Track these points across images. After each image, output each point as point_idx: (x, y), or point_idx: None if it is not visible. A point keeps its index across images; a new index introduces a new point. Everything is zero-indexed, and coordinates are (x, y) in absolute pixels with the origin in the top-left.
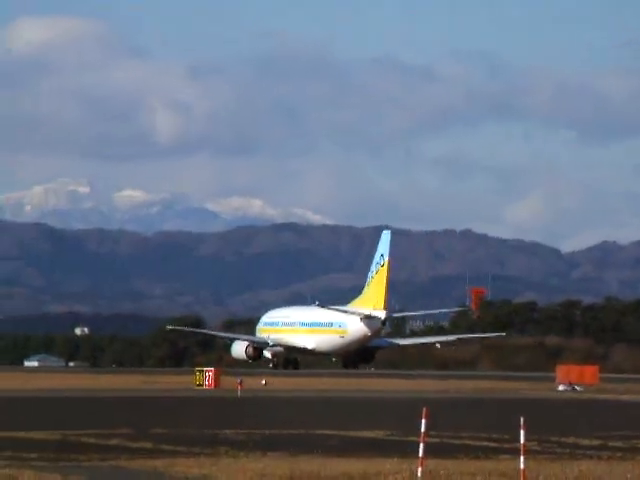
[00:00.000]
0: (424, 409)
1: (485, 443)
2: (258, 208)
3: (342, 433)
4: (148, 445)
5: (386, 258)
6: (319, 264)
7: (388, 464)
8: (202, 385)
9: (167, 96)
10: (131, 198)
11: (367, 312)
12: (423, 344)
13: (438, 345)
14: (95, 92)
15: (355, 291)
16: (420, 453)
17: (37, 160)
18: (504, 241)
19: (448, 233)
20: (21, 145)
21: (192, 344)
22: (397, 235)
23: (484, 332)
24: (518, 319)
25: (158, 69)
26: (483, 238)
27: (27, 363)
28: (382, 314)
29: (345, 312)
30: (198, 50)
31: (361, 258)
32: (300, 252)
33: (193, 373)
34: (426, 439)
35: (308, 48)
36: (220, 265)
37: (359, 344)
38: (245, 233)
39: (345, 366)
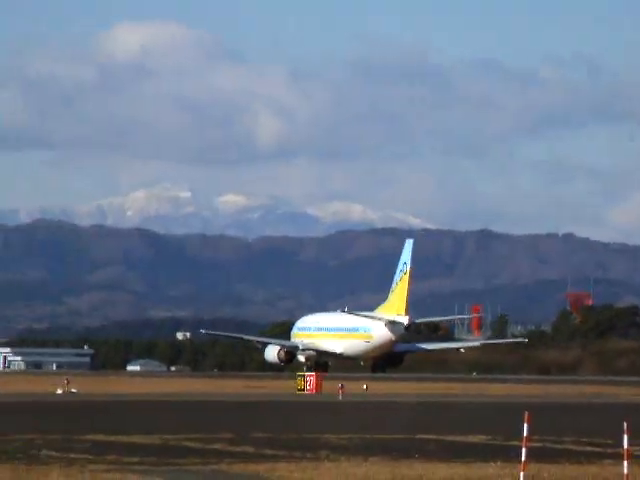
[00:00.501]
0: (526, 413)
1: (588, 448)
2: (358, 212)
3: (443, 437)
4: (250, 449)
5: (409, 266)
6: (420, 268)
7: (490, 469)
8: (303, 390)
9: (267, 101)
10: (232, 203)
11: (391, 318)
12: (449, 349)
13: (462, 350)
14: (196, 97)
15: (456, 295)
16: (522, 457)
17: (138, 165)
18: (606, 244)
19: (550, 237)
20: (123, 151)
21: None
22: (499, 239)
23: (586, 337)
24: (620, 323)
25: (258, 74)
26: (585, 242)
27: (130, 367)
28: (405, 320)
29: (370, 318)
30: (298, 55)
31: (462, 262)
32: (400, 256)
33: (295, 378)
34: (528, 443)
35: (408, 51)
36: (321, 269)
37: (384, 349)
38: (345, 237)
39: (374, 370)
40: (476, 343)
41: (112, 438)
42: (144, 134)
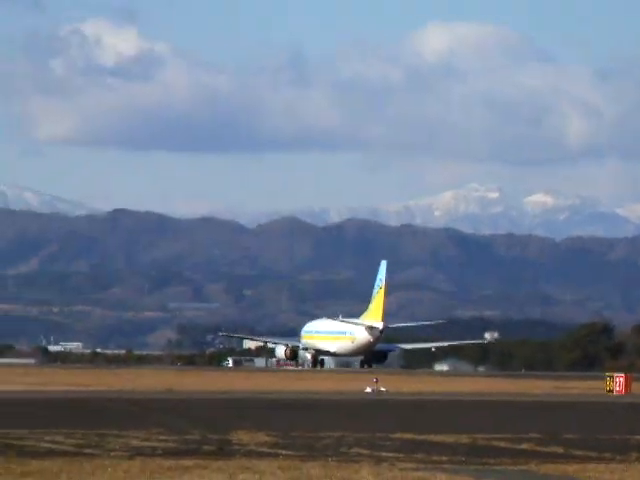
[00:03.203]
0: None
1: None
2: None
3: None
4: (559, 450)
5: (383, 282)
6: None
7: None
8: (612, 391)
9: (576, 99)
10: (540, 203)
11: (369, 324)
12: (423, 348)
13: (433, 349)
14: (503, 97)
15: None
16: None
17: (447, 166)
18: None
19: None
20: (431, 151)
21: (602, 349)
22: None
23: None
24: None
25: (565, 72)
26: None
27: (437, 367)
28: (380, 325)
29: (354, 324)
30: (606, 52)
31: None
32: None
33: (603, 379)
34: None
35: None
36: (630, 270)
37: (365, 348)
38: None
39: (362, 365)
40: (445, 344)
41: (421, 437)
42: (453, 134)
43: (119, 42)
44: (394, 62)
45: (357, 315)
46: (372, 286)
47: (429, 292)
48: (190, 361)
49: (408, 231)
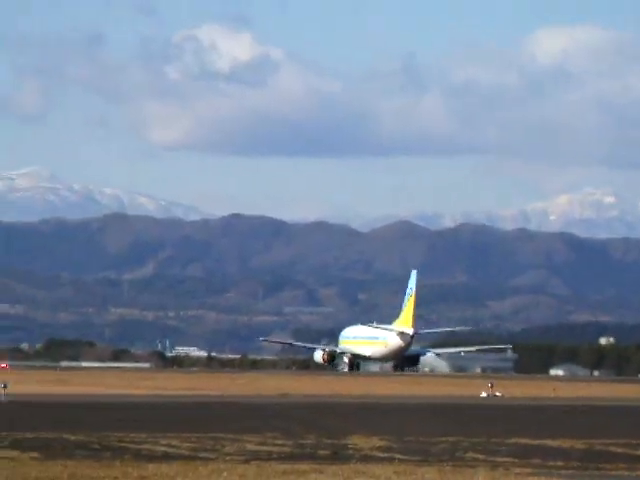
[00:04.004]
0: None
1: None
2: None
3: None
4: None
5: (414, 290)
6: None
7: None
8: None
9: None
10: None
11: (400, 329)
12: (452, 353)
13: (463, 354)
14: (618, 100)
15: None
16: None
17: (562, 170)
18: None
19: None
20: (546, 155)
21: None
22: None
23: None
24: None
25: None
26: None
27: (552, 372)
28: (410, 331)
29: (387, 330)
30: None
31: None
32: None
33: None
34: None
35: None
36: None
37: (397, 352)
38: None
39: (395, 369)
40: (472, 348)
41: (536, 442)
42: (567, 139)
43: (233, 48)
44: (508, 66)
45: (475, 319)
46: (489, 289)
47: (544, 297)
48: (305, 365)
49: (523, 235)
